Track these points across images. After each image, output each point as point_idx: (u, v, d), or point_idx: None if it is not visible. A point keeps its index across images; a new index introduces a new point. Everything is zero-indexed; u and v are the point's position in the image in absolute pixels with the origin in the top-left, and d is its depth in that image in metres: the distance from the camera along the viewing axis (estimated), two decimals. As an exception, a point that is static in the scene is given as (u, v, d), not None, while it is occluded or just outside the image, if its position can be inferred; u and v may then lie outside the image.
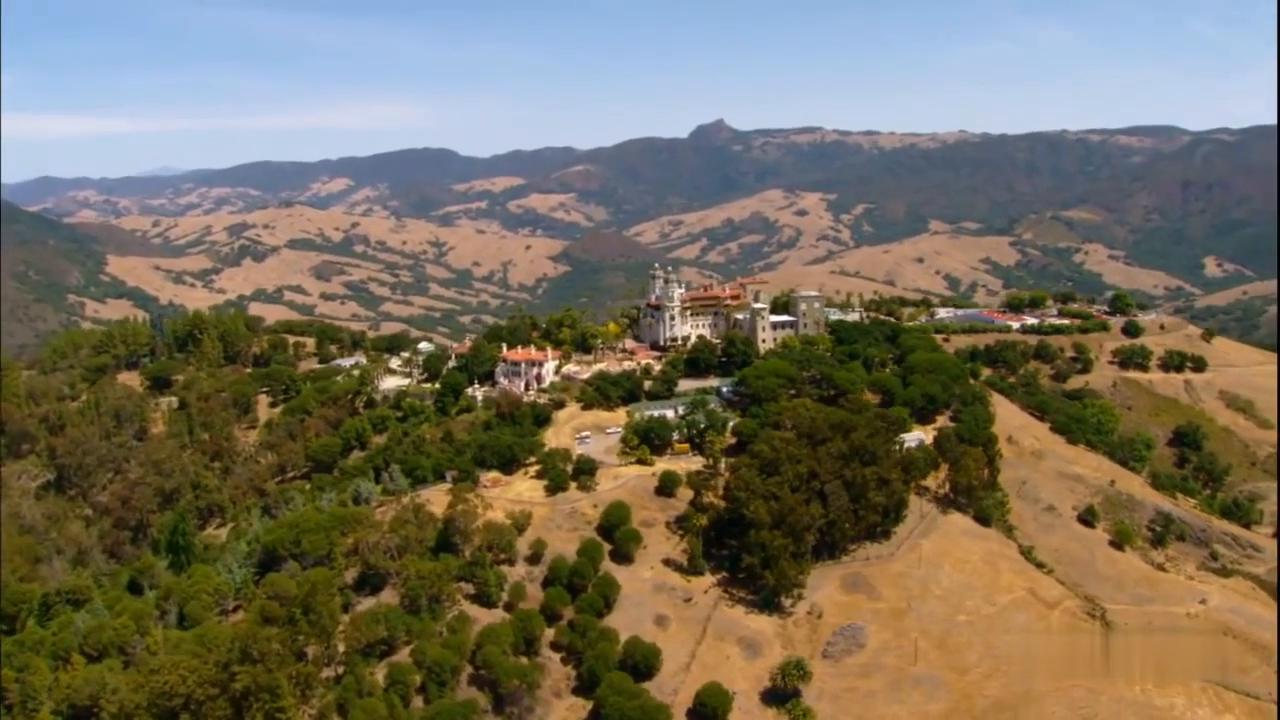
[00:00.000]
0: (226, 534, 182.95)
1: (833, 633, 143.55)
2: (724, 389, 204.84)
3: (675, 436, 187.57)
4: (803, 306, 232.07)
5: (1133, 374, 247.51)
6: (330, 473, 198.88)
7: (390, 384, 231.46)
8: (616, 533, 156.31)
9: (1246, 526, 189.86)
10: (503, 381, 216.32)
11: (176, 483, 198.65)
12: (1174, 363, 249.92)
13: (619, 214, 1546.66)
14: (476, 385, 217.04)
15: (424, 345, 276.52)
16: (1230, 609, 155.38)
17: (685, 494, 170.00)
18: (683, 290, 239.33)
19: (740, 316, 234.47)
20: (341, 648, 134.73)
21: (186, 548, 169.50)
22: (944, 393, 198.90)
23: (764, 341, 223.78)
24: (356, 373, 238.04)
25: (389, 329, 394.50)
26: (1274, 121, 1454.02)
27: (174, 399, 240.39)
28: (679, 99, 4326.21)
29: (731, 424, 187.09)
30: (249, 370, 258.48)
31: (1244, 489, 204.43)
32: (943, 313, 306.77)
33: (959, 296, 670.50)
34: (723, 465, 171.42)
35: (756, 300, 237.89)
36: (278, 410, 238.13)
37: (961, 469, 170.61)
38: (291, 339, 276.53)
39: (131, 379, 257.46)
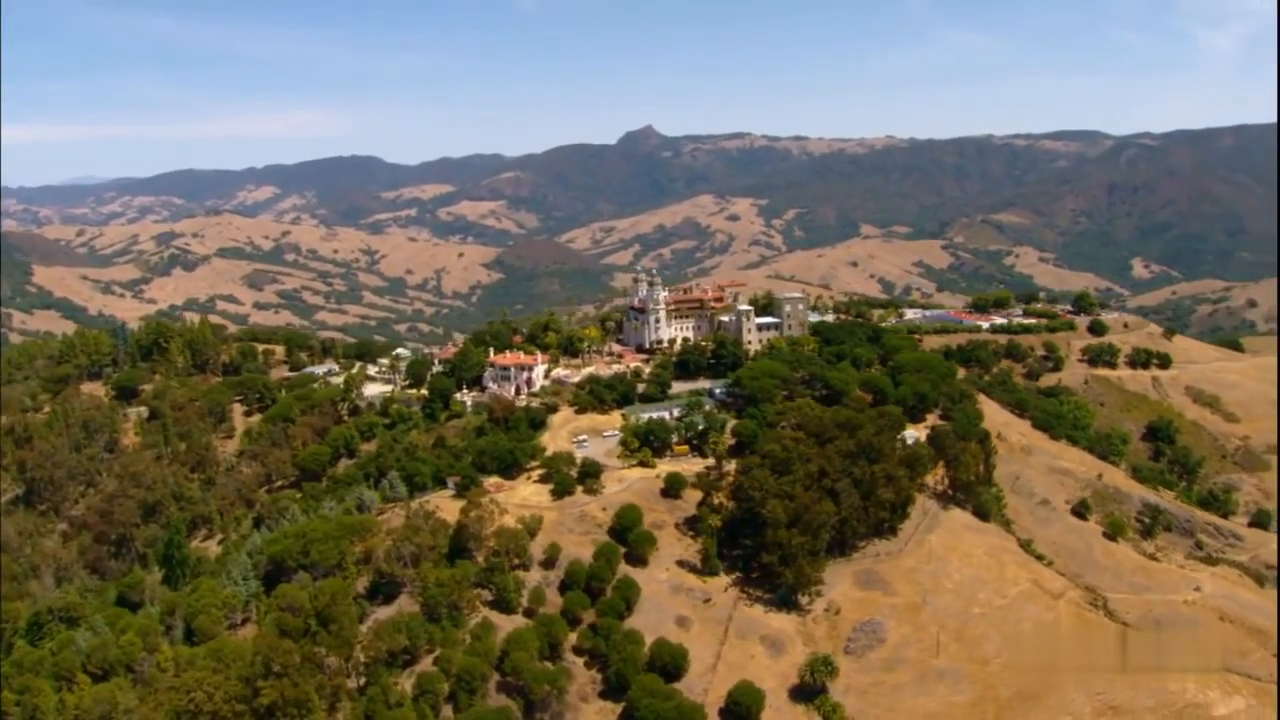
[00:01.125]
0: (220, 546, 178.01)
1: (852, 629, 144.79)
2: (717, 390, 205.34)
3: (674, 438, 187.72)
4: (786, 308, 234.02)
5: (1102, 371, 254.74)
6: (318, 481, 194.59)
7: (373, 390, 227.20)
8: (630, 535, 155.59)
9: (1225, 517, 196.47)
10: (492, 386, 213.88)
11: (158, 495, 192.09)
12: (1140, 360, 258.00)
13: (549, 221, 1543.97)
14: (465, 390, 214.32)
15: (401, 351, 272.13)
16: (1223, 595, 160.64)
17: (691, 495, 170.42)
18: (667, 293, 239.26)
19: (725, 319, 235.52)
20: (361, 658, 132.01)
21: (182, 561, 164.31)
22: (934, 391, 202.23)
23: (750, 343, 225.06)
24: (339, 379, 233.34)
25: (325, 338, 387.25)
26: (1193, 126, 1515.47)
27: (143, 409, 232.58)
28: (607, 105, 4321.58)
29: (730, 425, 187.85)
30: (219, 379, 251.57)
31: (1218, 481, 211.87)
32: (911, 313, 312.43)
33: (894, 299, 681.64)
34: (726, 466, 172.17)
35: (738, 302, 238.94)
36: (254, 419, 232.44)
37: (962, 465, 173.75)
38: (260, 347, 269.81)
39: (95, 389, 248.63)
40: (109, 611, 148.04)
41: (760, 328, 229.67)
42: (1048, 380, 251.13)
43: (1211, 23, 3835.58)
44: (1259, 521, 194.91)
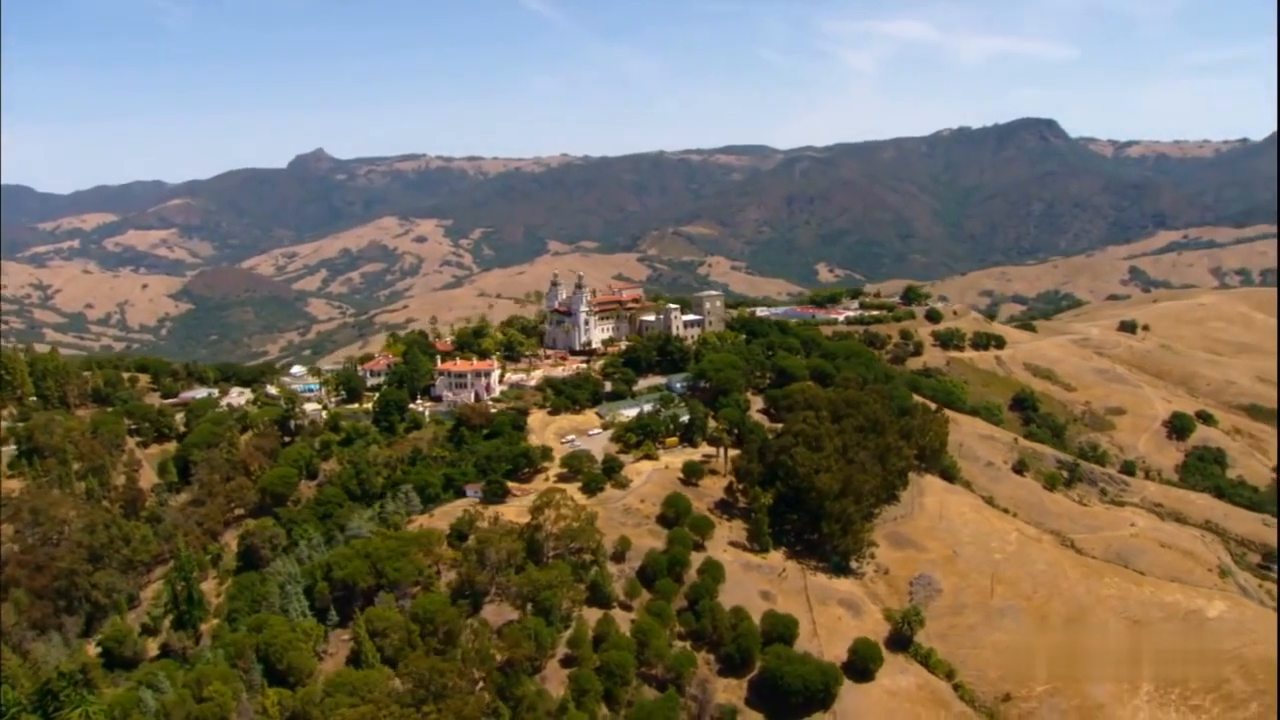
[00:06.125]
0: (222, 585, 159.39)
1: (909, 584, 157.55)
2: (677, 384, 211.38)
3: (662, 431, 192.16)
4: (707, 305, 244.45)
5: (953, 353, 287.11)
6: (284, 505, 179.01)
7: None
8: (686, 521, 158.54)
9: (1102, 467, 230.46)
10: (448, 394, 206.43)
11: (101, 538, 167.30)
12: (982, 342, 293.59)
13: (225, 249, 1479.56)
14: (418, 400, 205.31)
15: (296, 369, 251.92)
16: (1153, 529, 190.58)
17: (708, 482, 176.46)
18: (589, 296, 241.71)
19: (648, 318, 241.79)
20: (477, 672, 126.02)
21: (199, 602, 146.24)
22: (868, 373, 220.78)
23: (683, 339, 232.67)
24: (244, 401, 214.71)
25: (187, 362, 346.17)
26: (852, 140, 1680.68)
27: (10, 446, 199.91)
28: (273, 129, 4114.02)
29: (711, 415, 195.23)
30: (86, 410, 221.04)
31: (1081, 440, 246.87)
32: (761, 311, 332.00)
33: (742, 299, 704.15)
34: (731, 451, 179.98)
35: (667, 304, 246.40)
36: (152, 450, 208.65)
37: (932, 433, 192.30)
38: (125, 375, 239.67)
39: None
40: (162, 664, 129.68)
41: (687, 325, 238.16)
42: (913, 364, 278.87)
43: (851, 45, 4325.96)
44: (1127, 470, 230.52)
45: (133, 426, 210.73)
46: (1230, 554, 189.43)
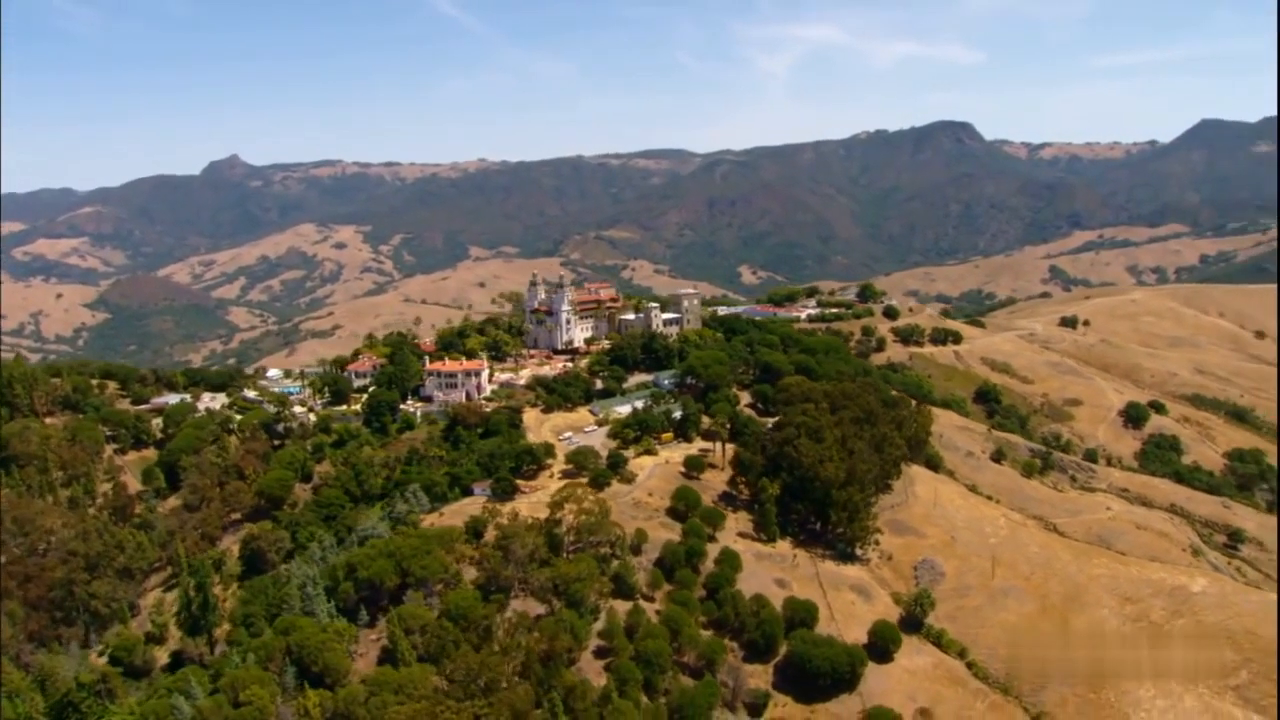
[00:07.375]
0: (230, 590, 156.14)
1: (913, 569, 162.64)
2: (665, 381, 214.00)
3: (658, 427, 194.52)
4: (685, 304, 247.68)
5: (914, 349, 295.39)
6: (280, 508, 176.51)
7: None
8: (697, 513, 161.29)
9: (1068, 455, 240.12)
10: (438, 394, 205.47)
11: (95, 546, 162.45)
12: (940, 338, 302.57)
13: (139, 257, 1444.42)
14: (409, 400, 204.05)
15: (272, 372, 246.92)
16: (1127, 512, 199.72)
17: (709, 476, 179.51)
18: (571, 296, 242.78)
19: (626, 317, 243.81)
20: (510, 666, 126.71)
21: (214, 607, 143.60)
22: (847, 366, 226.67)
23: (665, 337, 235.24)
24: (218, 406, 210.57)
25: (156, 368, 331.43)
26: (772, 143, 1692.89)
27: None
28: (185, 135, 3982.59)
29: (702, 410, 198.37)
30: (55, 418, 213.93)
31: (1044, 430, 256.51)
32: (721, 310, 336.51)
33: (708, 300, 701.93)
34: (721, 446, 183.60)
35: (648, 303, 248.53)
36: (129, 457, 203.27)
37: (917, 424, 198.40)
38: (93, 381, 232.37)
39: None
40: (191, 669, 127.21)
41: (666, 323, 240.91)
42: (877, 359, 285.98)
43: (764, 49, 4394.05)
44: (1090, 458, 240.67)
45: (109, 433, 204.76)
46: (1198, 534, 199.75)
